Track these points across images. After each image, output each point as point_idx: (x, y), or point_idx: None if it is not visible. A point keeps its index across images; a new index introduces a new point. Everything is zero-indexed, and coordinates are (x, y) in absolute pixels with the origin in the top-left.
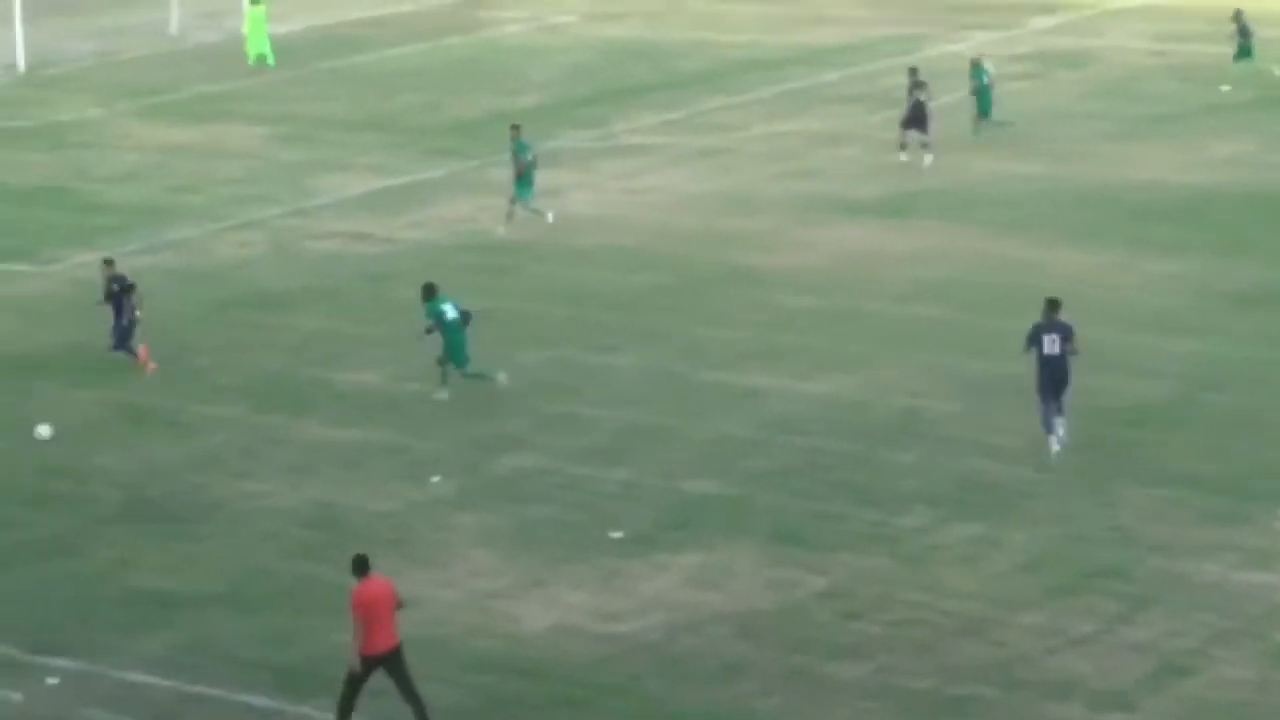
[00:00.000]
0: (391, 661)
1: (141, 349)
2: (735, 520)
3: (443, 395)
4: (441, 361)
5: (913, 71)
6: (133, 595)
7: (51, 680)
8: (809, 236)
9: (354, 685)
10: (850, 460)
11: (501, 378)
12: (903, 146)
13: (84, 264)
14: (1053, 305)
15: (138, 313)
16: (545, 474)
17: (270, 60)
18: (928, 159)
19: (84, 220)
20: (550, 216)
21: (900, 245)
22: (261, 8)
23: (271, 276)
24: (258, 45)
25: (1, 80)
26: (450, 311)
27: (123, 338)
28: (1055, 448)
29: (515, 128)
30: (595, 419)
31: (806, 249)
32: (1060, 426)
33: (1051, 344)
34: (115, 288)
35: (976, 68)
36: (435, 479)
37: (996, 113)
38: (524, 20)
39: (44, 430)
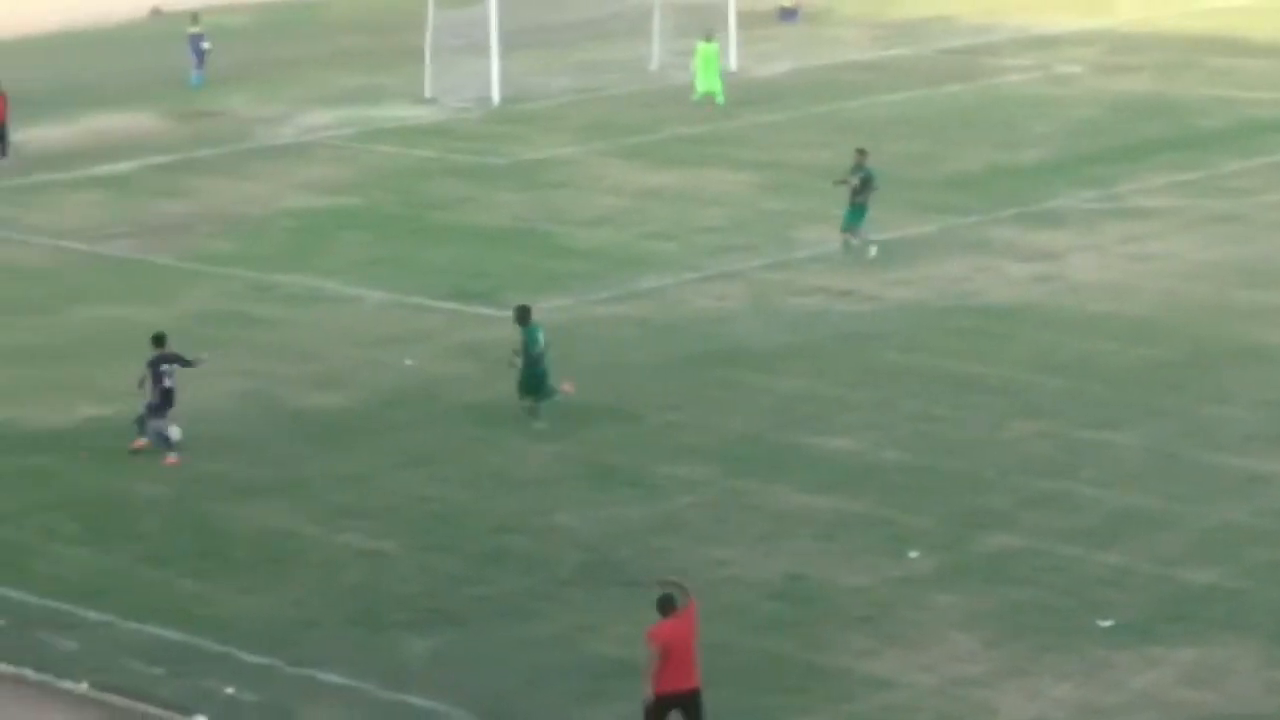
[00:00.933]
0: (690, 704)
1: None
2: (1236, 614)
3: (541, 424)
4: (526, 391)
5: None
6: (589, 662)
7: None
8: None
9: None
10: None
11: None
12: None
13: (555, 309)
14: None
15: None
16: (1032, 554)
17: (720, 98)
18: None
19: (553, 264)
20: (873, 251)
21: None
22: (715, 45)
23: (749, 332)
24: (708, 83)
25: (475, 114)
26: (539, 343)
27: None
28: None
29: (861, 152)
30: (1088, 498)
31: None
32: None
33: None
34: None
35: None
36: (914, 554)
37: None
38: (1029, 69)
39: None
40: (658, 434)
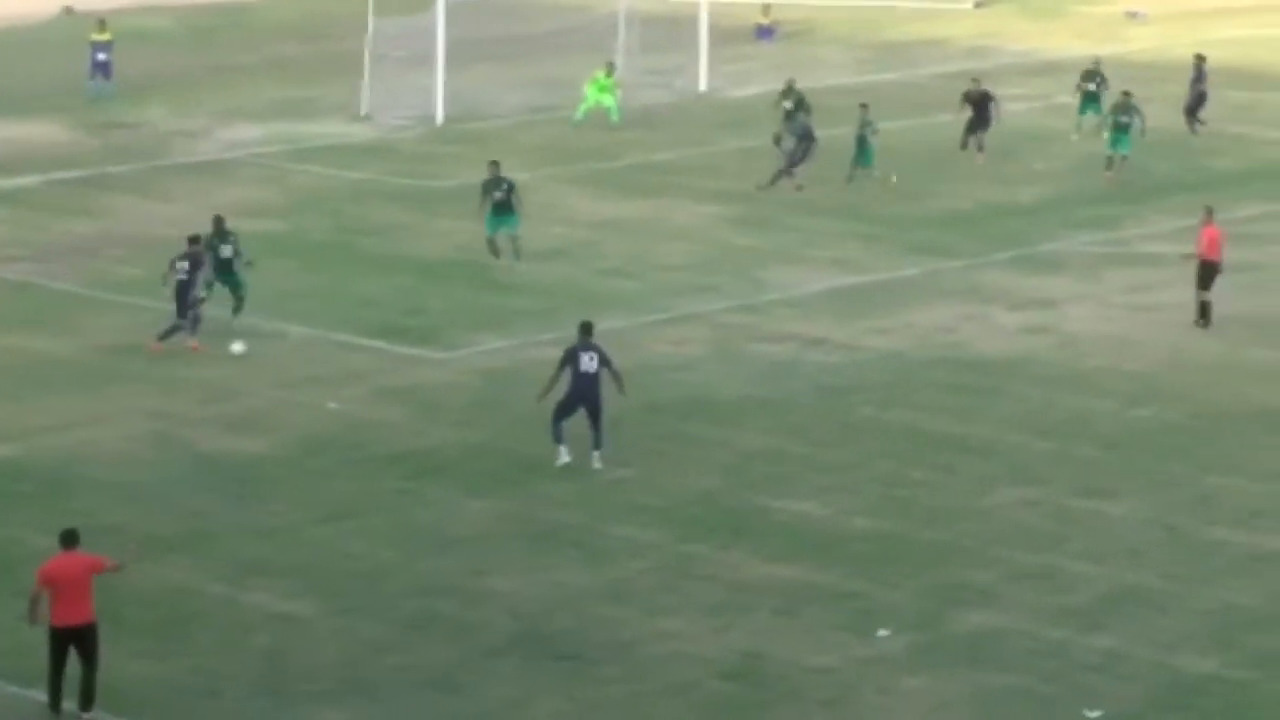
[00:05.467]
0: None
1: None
2: (1238, 708)
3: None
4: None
5: None
6: None
7: None
8: None
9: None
10: None
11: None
12: None
13: (495, 351)
14: None
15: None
16: (1014, 635)
17: (615, 115)
18: None
19: (498, 301)
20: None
21: None
22: (613, 80)
23: (710, 381)
24: (597, 100)
25: (416, 132)
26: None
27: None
28: None
29: (864, 106)
30: (1078, 574)
31: None
32: None
33: None
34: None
35: None
36: (883, 632)
37: None
38: (1029, 99)
39: (238, 347)
40: (606, 492)
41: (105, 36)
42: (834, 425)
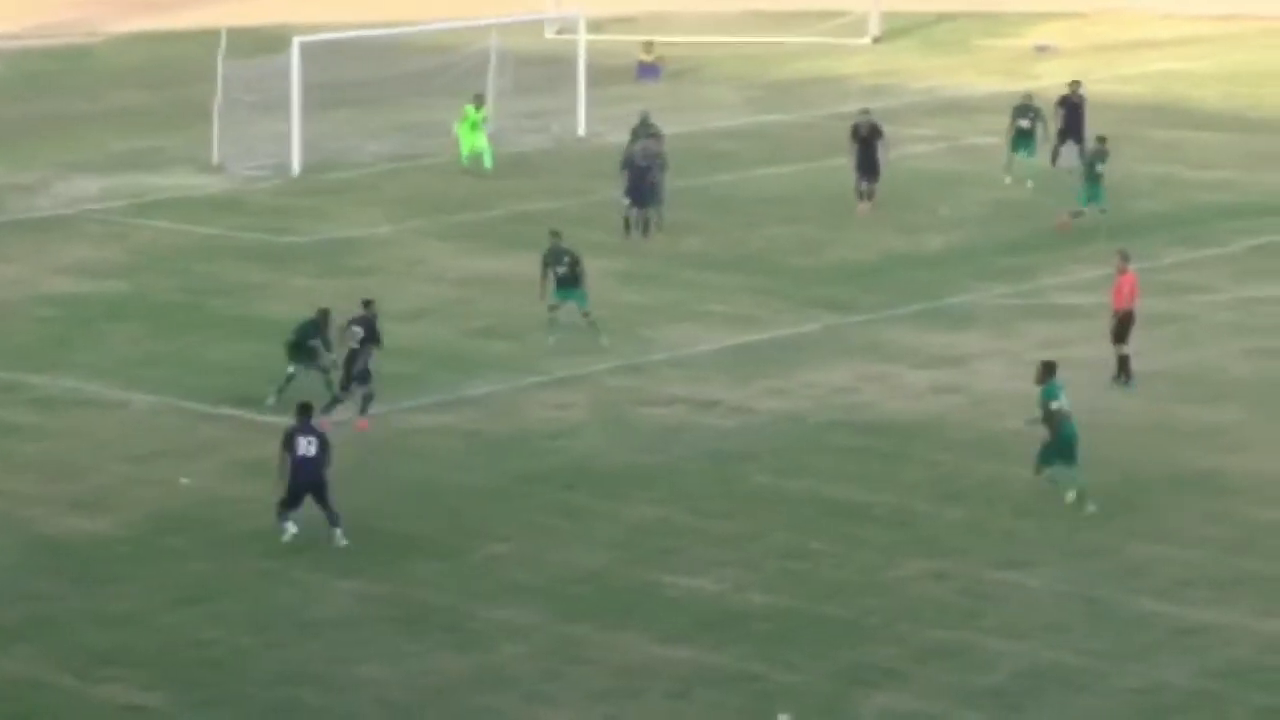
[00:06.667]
0: None
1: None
2: None
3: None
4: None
5: None
6: None
7: None
8: None
9: None
10: None
11: None
12: None
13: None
14: None
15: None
16: (924, 718)
17: (488, 160)
18: None
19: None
20: None
21: None
22: (483, 113)
23: (592, 448)
24: (471, 142)
25: (270, 183)
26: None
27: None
28: None
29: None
30: (994, 652)
31: None
32: None
33: None
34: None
35: None
36: (784, 717)
37: None
38: (932, 139)
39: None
40: (481, 570)
41: None
42: (728, 494)
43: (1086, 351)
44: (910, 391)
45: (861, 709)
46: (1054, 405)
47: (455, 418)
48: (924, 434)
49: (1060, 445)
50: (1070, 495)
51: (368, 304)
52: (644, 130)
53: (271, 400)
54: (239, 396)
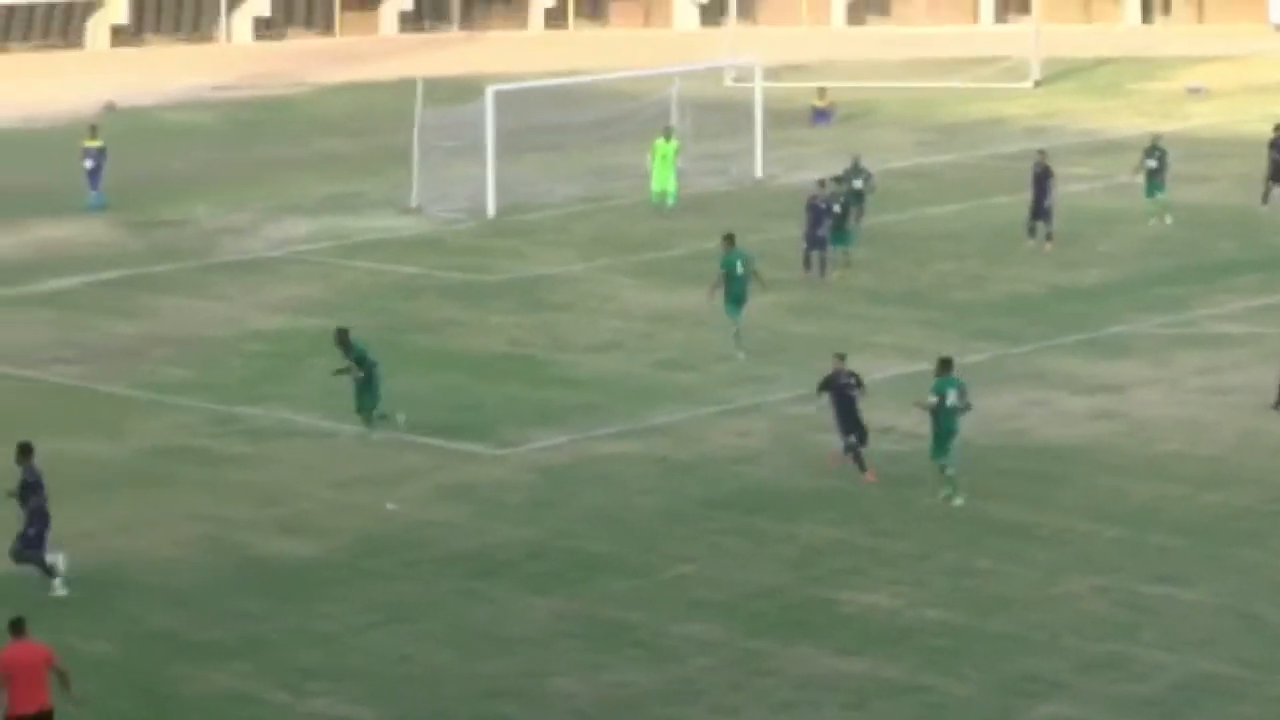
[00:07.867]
0: None
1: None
2: None
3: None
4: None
5: None
6: None
7: None
8: None
9: None
10: None
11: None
12: None
13: (552, 447)
14: None
15: None
16: None
17: (671, 199)
18: None
19: (554, 395)
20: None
21: None
22: (674, 144)
23: (773, 473)
24: (662, 181)
25: (466, 225)
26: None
27: None
28: None
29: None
30: (1152, 663)
31: None
32: None
33: None
34: None
35: None
36: None
37: None
38: (1091, 179)
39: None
40: (669, 588)
41: (96, 143)
42: (898, 516)
43: (1238, 378)
44: (1070, 418)
45: (1027, 716)
46: (935, 399)
47: (642, 445)
48: (1083, 458)
49: (938, 435)
50: (945, 493)
51: (840, 356)
52: (855, 173)
53: (402, 419)
54: (439, 425)
